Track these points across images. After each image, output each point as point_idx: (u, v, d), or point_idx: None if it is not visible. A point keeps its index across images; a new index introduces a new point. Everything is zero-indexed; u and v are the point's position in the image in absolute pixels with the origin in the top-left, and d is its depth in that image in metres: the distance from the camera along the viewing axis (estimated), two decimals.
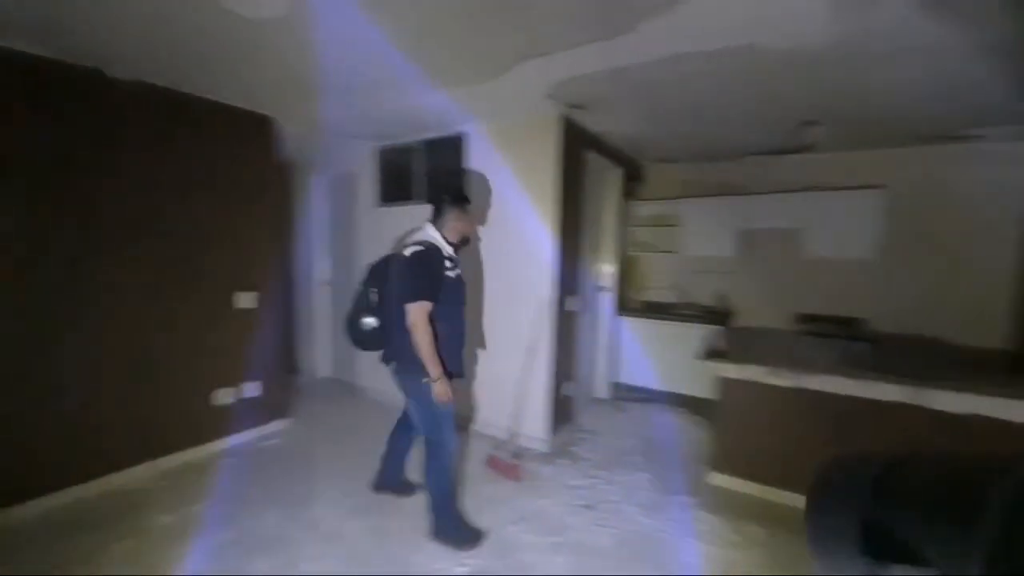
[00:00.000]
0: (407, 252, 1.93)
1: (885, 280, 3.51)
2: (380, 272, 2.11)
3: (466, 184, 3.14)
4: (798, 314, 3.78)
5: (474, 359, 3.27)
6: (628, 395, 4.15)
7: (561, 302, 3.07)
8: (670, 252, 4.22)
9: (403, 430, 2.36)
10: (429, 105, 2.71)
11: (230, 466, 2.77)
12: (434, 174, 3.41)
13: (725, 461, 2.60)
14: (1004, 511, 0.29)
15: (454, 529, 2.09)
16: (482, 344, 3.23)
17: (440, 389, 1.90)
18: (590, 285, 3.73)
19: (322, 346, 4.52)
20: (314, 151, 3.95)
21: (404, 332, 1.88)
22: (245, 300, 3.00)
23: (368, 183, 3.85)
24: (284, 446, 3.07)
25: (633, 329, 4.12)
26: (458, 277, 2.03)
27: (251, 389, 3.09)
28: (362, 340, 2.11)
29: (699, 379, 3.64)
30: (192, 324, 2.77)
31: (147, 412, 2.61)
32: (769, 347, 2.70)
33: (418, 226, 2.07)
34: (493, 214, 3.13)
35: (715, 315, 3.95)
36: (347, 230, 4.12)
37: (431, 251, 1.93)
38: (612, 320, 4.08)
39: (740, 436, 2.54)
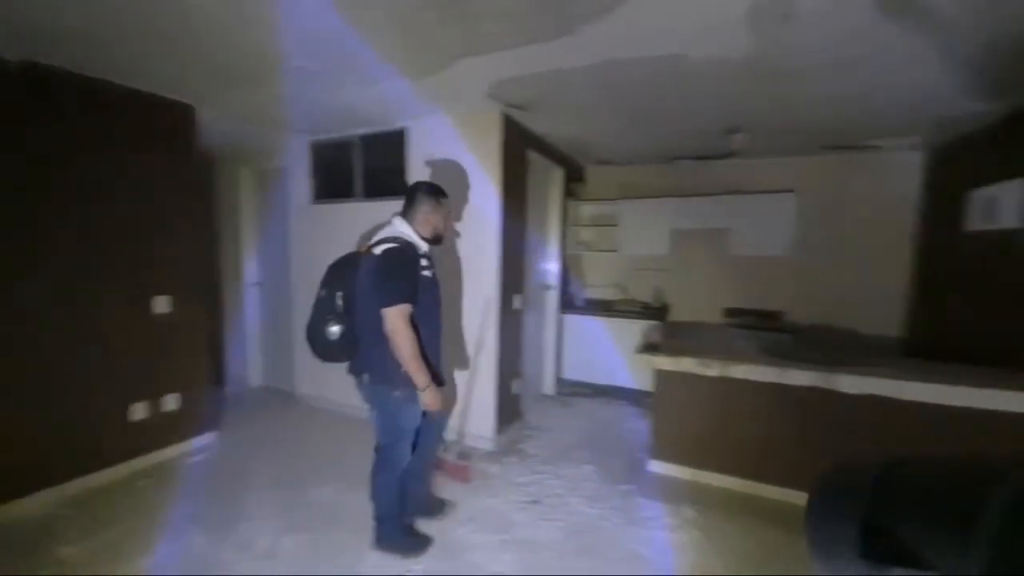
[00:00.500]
0: (378, 250, 1.72)
1: (800, 276, 3.87)
2: (343, 273, 1.84)
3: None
4: (726, 308, 4.07)
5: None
6: (574, 391, 4.25)
7: (507, 301, 3.09)
8: (611, 251, 4.38)
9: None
10: (366, 98, 2.62)
11: (148, 487, 2.52)
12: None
13: (662, 449, 2.74)
14: (1003, 514, 0.29)
15: (400, 537, 2.04)
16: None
17: (431, 398, 1.75)
18: (535, 283, 3.79)
19: (254, 352, 4.23)
20: (242, 144, 3.68)
21: (377, 340, 1.70)
22: (163, 304, 2.75)
23: (302, 179, 3.65)
24: (210, 462, 2.84)
25: (578, 326, 4.23)
26: (433, 276, 1.85)
27: (171, 402, 2.83)
28: (327, 351, 1.82)
29: (639, 372, 3.82)
30: (103, 332, 2.49)
31: (51, 431, 2.31)
32: (700, 340, 2.88)
33: (386, 221, 1.88)
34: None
35: (653, 311, 4.15)
36: (279, 228, 3.88)
37: (405, 248, 1.74)
38: (557, 318, 4.17)
39: (675, 424, 2.68)
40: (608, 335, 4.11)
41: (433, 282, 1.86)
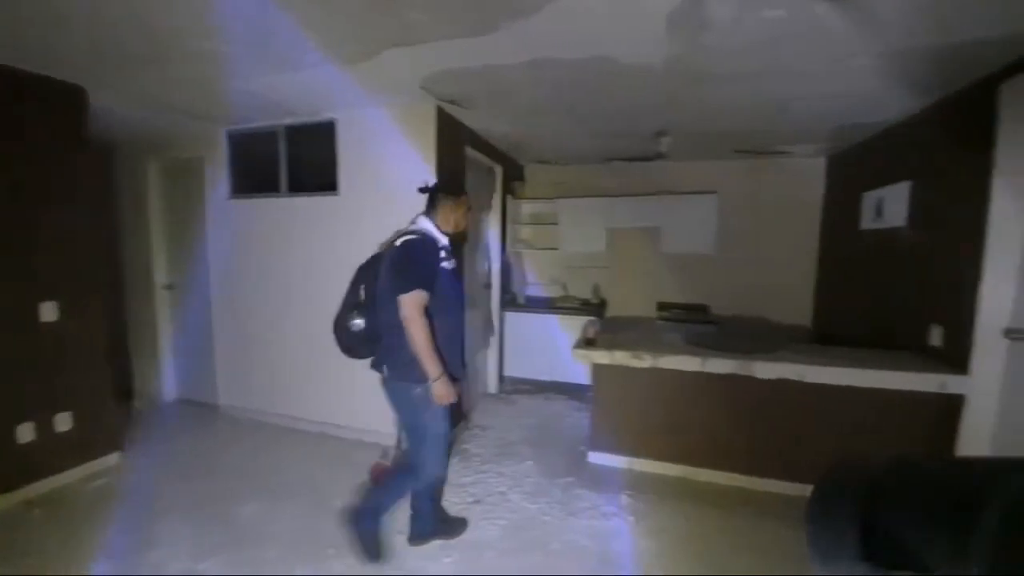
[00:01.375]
0: (399, 242, 1.77)
1: (722, 271, 4.15)
2: (368, 270, 1.89)
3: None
4: (659, 303, 4.28)
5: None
6: (517, 388, 4.28)
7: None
8: (552, 249, 4.45)
9: None
10: (288, 86, 2.45)
11: (42, 518, 2.21)
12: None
13: (601, 440, 2.82)
14: (1003, 516, 0.29)
15: (368, 538, 1.95)
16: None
17: (441, 389, 1.72)
18: (476, 282, 3.76)
19: (167, 362, 3.85)
20: (149, 132, 3.33)
21: (396, 330, 1.70)
22: (50, 311, 2.42)
23: (219, 171, 3.36)
24: (116, 486, 2.55)
25: (520, 324, 4.26)
26: (454, 270, 1.87)
27: (66, 420, 2.51)
28: (351, 344, 1.87)
29: (579, 367, 3.91)
30: None
31: None
32: (633, 334, 3.00)
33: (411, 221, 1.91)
34: (370, 208, 2.96)
35: (592, 307, 4.27)
36: (193, 225, 3.55)
37: (424, 239, 1.78)
38: (499, 316, 4.17)
39: (612, 416, 2.77)
40: (549, 332, 4.17)
41: (455, 275, 1.87)
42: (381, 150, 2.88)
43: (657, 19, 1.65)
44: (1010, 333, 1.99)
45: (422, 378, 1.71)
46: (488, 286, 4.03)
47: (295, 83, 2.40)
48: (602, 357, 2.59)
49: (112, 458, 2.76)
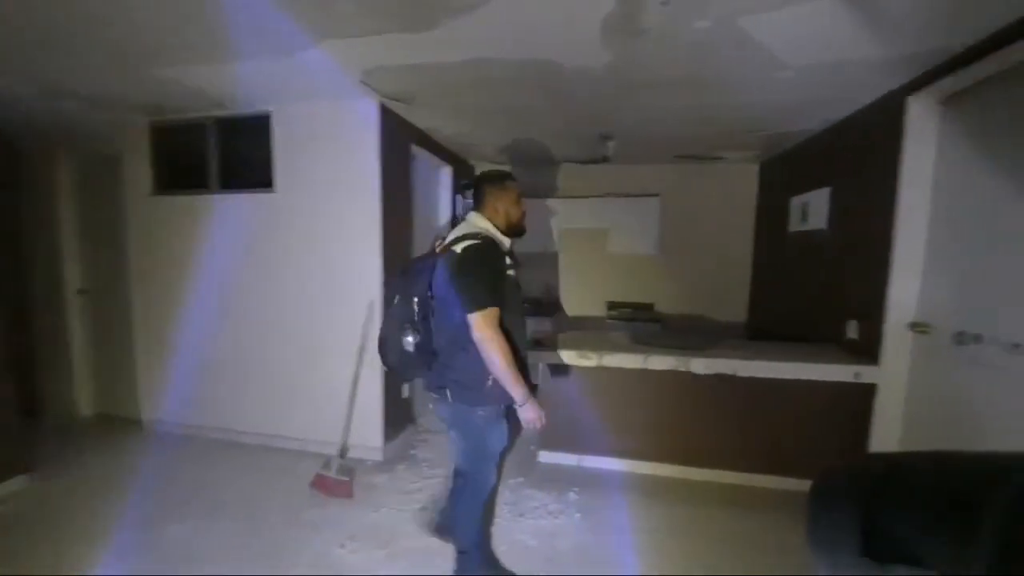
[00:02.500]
0: (458, 248, 1.51)
1: (666, 271, 4.31)
2: (416, 277, 1.62)
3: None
4: (608, 302, 4.38)
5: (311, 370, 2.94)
6: None
7: (393, 301, 2.95)
8: None
9: None
10: (214, 76, 2.30)
11: None
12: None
13: (551, 439, 2.84)
14: (1004, 513, 0.29)
15: (487, 569, 1.83)
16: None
17: (531, 413, 1.53)
18: None
19: (82, 374, 3.51)
20: (57, 123, 3.01)
21: (457, 351, 1.52)
22: None
23: (140, 166, 3.10)
24: (20, 512, 2.30)
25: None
26: (515, 277, 1.64)
27: None
28: (403, 365, 1.63)
29: (533, 367, 3.93)
30: None
31: None
32: (581, 333, 3.06)
33: (460, 218, 1.67)
34: (309, 206, 2.83)
35: (545, 307, 4.31)
36: (111, 225, 3.25)
37: (488, 245, 1.53)
38: None
39: (562, 414, 2.80)
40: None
41: (517, 283, 1.65)
42: (321, 146, 2.76)
43: (592, 25, 1.68)
44: (914, 327, 2.19)
45: (489, 399, 1.55)
46: None
47: (223, 74, 2.25)
48: (550, 357, 2.62)
49: (17, 482, 2.48)
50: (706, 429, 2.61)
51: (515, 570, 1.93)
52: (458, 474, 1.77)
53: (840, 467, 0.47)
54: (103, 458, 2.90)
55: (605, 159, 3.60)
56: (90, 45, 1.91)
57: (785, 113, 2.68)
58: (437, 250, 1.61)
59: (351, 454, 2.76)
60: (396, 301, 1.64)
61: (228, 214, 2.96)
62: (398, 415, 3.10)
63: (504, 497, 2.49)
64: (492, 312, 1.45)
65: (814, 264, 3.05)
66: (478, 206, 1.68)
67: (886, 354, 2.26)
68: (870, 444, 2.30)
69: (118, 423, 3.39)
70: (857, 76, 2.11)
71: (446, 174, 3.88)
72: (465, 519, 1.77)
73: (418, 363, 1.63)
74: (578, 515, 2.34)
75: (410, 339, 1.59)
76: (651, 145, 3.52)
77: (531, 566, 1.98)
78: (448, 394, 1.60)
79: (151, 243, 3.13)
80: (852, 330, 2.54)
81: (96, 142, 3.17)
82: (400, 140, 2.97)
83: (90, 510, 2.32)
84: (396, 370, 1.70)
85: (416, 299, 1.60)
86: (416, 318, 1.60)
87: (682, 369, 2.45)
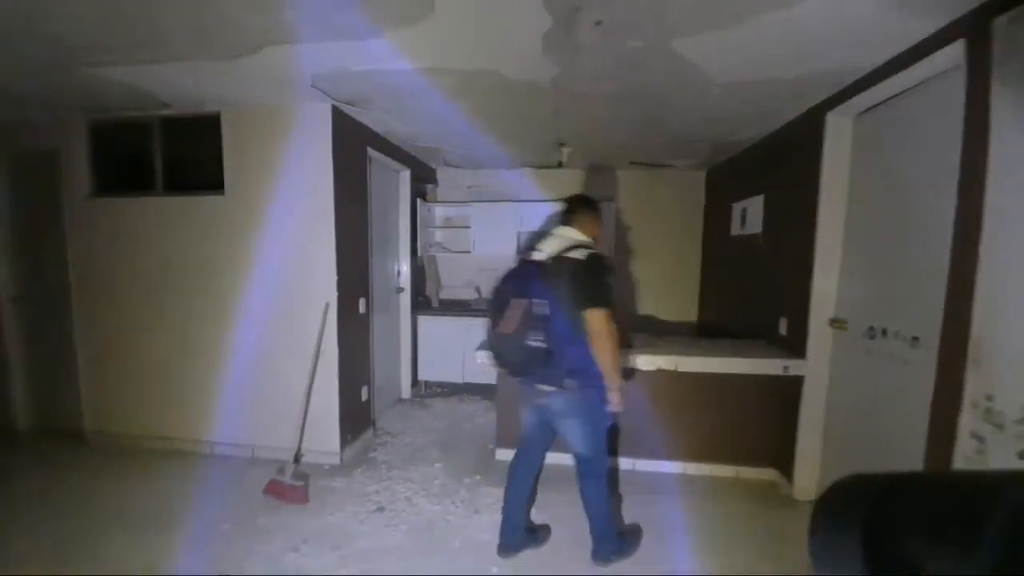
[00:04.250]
0: (579, 255, 1.73)
1: (621, 273, 4.47)
2: (529, 282, 1.77)
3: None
4: None
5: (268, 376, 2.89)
6: (431, 391, 4.27)
7: (350, 305, 2.96)
8: (465, 252, 4.49)
9: (526, 472, 2.11)
10: (157, 75, 2.25)
11: None
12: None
13: (507, 437, 2.91)
14: (1005, 528, 0.29)
15: (618, 545, 2.05)
16: None
17: (620, 397, 1.78)
18: (385, 286, 3.70)
19: (17, 386, 3.31)
20: None
21: (576, 344, 1.71)
22: None
23: (80, 166, 2.97)
24: None
25: (432, 327, 4.25)
26: None
27: None
28: (526, 362, 1.76)
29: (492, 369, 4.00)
30: None
31: None
32: None
33: (545, 230, 1.91)
34: (260, 210, 2.80)
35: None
36: (48, 228, 3.09)
37: (604, 256, 1.80)
38: (412, 320, 4.13)
39: (515, 412, 2.86)
40: (463, 334, 4.20)
41: None
42: (273, 148, 2.73)
43: (534, 40, 1.77)
44: (834, 322, 2.40)
45: (600, 384, 1.76)
46: (400, 290, 3.98)
47: (166, 74, 2.21)
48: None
49: None
50: (651, 423, 2.74)
51: (469, 567, 2.00)
52: (580, 461, 1.97)
53: (844, 483, 0.45)
54: (40, 473, 2.75)
55: (560, 164, 3.71)
56: (25, 42, 1.84)
57: (720, 125, 2.86)
58: (536, 258, 1.81)
59: (308, 459, 2.74)
60: (511, 304, 1.77)
61: (175, 217, 2.88)
62: (357, 419, 3.10)
63: (459, 495, 2.55)
64: (609, 312, 1.70)
65: (752, 266, 3.26)
66: (571, 222, 1.89)
67: (811, 348, 2.46)
68: (799, 433, 2.49)
69: (60, 435, 3.21)
70: (779, 92, 2.29)
71: (406, 178, 3.91)
72: (599, 500, 1.98)
73: (542, 359, 1.75)
74: (532, 510, 2.42)
75: (540, 337, 1.72)
76: (604, 152, 3.66)
77: (483, 560, 2.05)
78: (567, 384, 1.79)
79: (92, 247, 3.00)
80: (783, 327, 2.74)
81: (31, 139, 3.01)
82: (355, 143, 2.98)
83: (23, 529, 2.21)
84: (515, 368, 1.84)
85: (534, 301, 1.75)
86: (542, 318, 1.74)
87: (627, 366, 2.57)
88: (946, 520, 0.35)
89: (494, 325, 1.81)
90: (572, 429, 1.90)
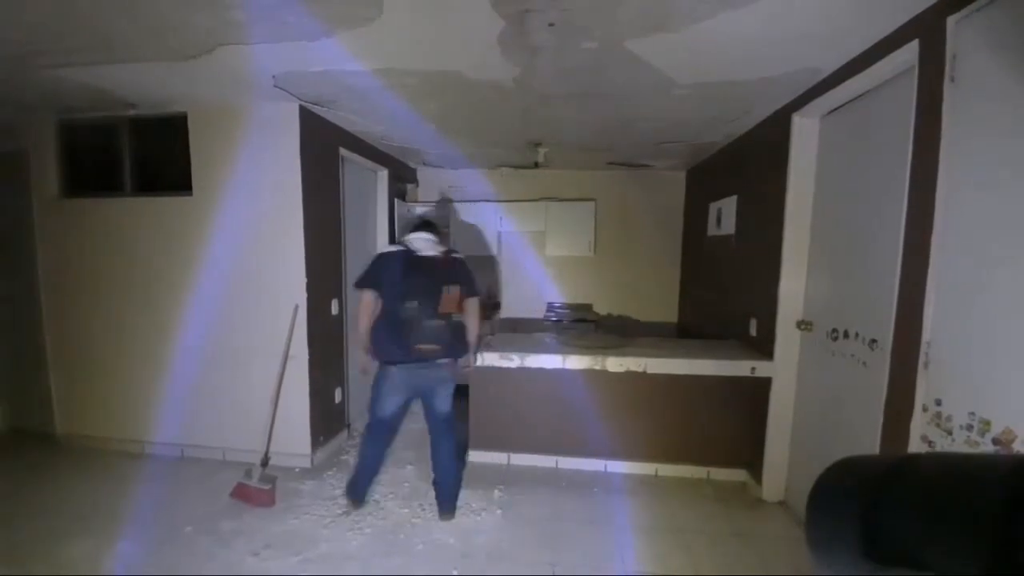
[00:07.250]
0: (458, 255, 2.30)
1: (601, 273, 4.48)
2: (417, 269, 2.16)
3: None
4: (548, 303, 4.50)
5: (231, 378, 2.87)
6: None
7: (322, 307, 2.94)
8: None
9: (384, 440, 2.40)
10: (115, 76, 2.22)
11: None
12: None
13: (479, 438, 2.91)
14: (1005, 514, 0.29)
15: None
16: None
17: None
18: None
19: None
20: None
21: (456, 324, 2.23)
22: None
23: (48, 167, 2.94)
24: None
25: None
26: None
27: None
28: (430, 340, 2.13)
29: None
30: None
31: None
32: (511, 335, 3.14)
33: (422, 236, 2.25)
34: (228, 211, 2.77)
35: (486, 309, 4.36)
36: (16, 229, 3.05)
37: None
38: None
39: (486, 414, 2.87)
40: None
41: None
42: (241, 148, 2.70)
43: (489, 41, 1.75)
44: (800, 324, 2.39)
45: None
46: None
47: (127, 74, 2.18)
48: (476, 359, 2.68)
49: None
50: (623, 424, 2.74)
51: (431, 567, 1.99)
52: (446, 419, 2.34)
53: (840, 467, 0.45)
54: (9, 475, 2.73)
55: (536, 164, 3.70)
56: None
57: (688, 126, 2.85)
58: (430, 254, 2.21)
59: (278, 462, 2.72)
60: (447, 291, 2.17)
61: (144, 218, 2.85)
62: (330, 420, 3.08)
63: (428, 498, 2.53)
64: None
65: (726, 266, 3.26)
66: (437, 234, 2.32)
67: (779, 349, 2.46)
68: (767, 434, 2.49)
69: (32, 437, 3.19)
70: (743, 94, 2.28)
71: (383, 177, 3.89)
72: (455, 456, 2.39)
73: (460, 335, 2.30)
74: (499, 511, 2.42)
75: (437, 320, 2.15)
76: (581, 152, 3.65)
77: (446, 563, 2.04)
78: (452, 352, 2.24)
79: (61, 248, 2.97)
80: (753, 328, 2.74)
81: None
82: (326, 143, 2.95)
83: None
84: (421, 349, 2.14)
85: (450, 287, 2.19)
86: (436, 303, 2.16)
87: (597, 368, 2.57)
88: (944, 503, 0.34)
89: (431, 309, 2.13)
90: (447, 392, 2.32)
